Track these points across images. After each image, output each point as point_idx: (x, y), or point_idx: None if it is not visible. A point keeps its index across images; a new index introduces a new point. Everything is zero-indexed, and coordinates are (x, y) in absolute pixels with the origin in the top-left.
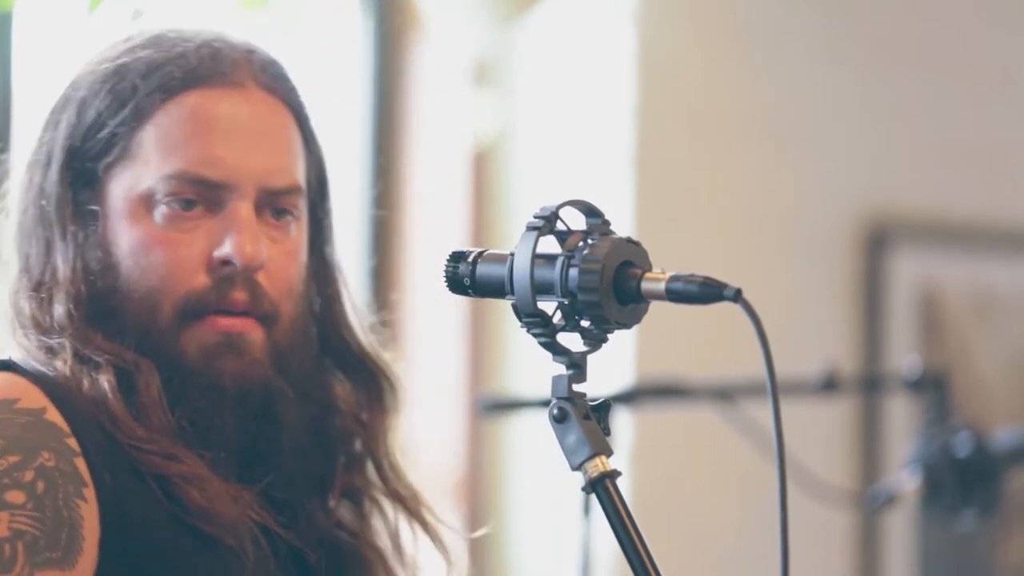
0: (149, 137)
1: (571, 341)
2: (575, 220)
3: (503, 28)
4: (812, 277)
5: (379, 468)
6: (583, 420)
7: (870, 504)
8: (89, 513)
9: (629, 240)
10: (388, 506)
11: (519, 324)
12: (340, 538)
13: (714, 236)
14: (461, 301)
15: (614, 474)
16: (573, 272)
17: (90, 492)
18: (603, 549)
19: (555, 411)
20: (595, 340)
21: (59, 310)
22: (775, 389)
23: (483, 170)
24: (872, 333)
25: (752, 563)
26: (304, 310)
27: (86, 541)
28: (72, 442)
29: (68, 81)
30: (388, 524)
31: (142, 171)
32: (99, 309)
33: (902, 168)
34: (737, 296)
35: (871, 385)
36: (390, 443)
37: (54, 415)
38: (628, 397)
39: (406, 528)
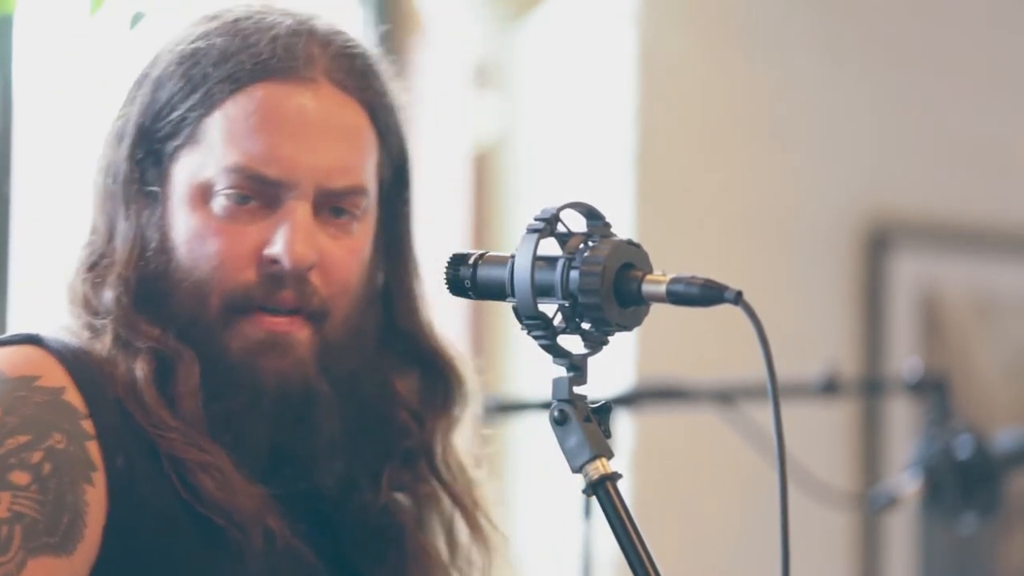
0: (215, 126)
1: (572, 343)
2: (576, 222)
3: (504, 30)
4: (813, 279)
5: (432, 465)
6: (584, 422)
7: (871, 506)
8: (95, 498)
9: (630, 242)
10: (446, 500)
11: (520, 326)
12: (385, 533)
13: (715, 237)
14: (462, 303)
15: (615, 476)
16: (574, 274)
17: (99, 476)
18: (604, 551)
19: (556, 413)
20: (596, 342)
21: (108, 295)
22: (776, 391)
23: (484, 172)
24: (873, 335)
25: (753, 565)
26: (361, 307)
27: (88, 528)
28: (87, 424)
29: (149, 57)
30: (443, 519)
31: (205, 159)
32: (148, 294)
33: (902, 169)
34: (738, 298)
35: (872, 387)
36: (450, 440)
37: (72, 395)
38: (629, 399)
39: (461, 523)
